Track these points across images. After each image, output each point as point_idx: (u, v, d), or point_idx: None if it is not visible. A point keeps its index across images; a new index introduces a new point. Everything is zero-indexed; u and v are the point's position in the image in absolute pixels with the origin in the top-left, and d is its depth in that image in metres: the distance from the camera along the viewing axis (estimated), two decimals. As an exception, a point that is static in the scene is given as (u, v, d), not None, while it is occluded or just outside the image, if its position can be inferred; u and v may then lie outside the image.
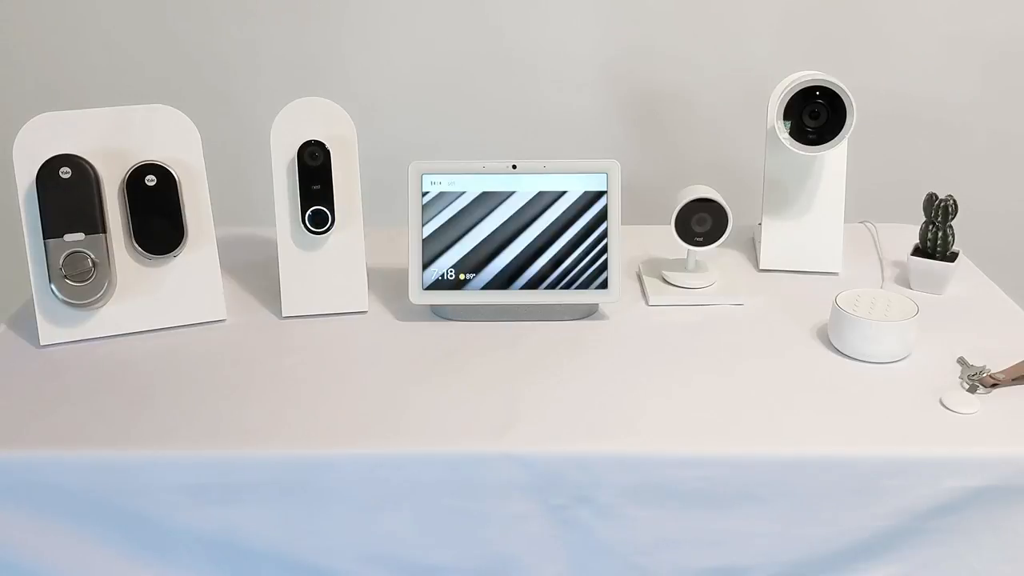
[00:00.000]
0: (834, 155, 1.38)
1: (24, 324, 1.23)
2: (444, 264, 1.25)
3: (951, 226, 1.33)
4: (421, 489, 1.00)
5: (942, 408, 1.06)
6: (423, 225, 1.25)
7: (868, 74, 1.90)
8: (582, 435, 1.02)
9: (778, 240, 1.42)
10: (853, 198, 1.43)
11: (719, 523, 1.01)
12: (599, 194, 1.25)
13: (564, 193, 1.25)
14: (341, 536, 1.02)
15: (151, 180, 1.20)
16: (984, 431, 1.02)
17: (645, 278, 1.37)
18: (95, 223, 1.17)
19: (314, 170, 1.23)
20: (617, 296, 1.26)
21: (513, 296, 1.25)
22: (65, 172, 1.15)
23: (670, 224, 1.30)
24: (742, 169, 1.79)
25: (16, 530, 1.00)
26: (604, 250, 1.25)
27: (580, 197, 1.25)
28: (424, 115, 2.01)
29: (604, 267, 1.25)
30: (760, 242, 1.44)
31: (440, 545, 1.02)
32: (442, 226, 1.25)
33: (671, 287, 1.34)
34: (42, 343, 1.19)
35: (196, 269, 1.25)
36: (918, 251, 1.36)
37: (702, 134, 2.01)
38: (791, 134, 1.32)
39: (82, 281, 1.17)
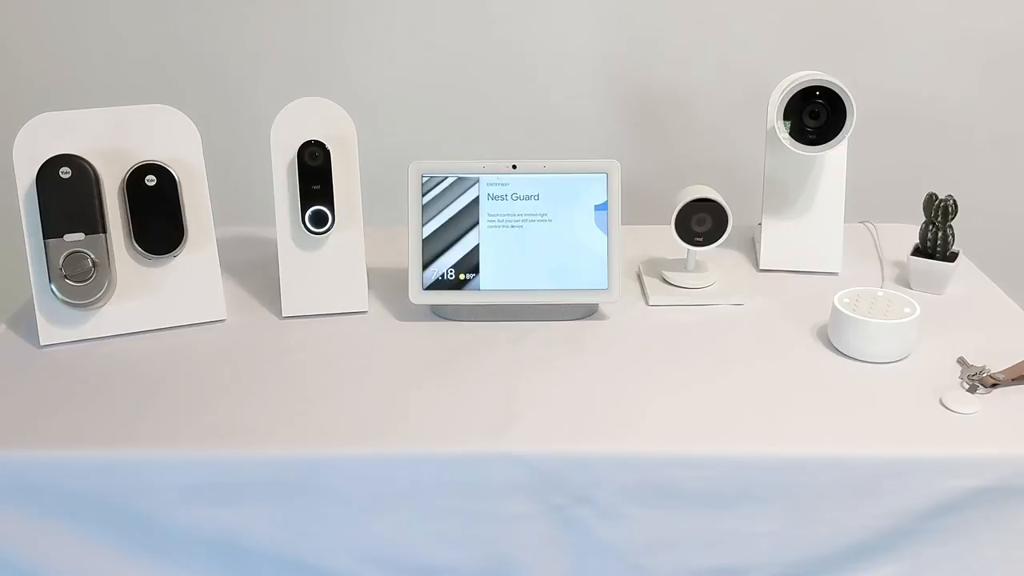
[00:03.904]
0: (834, 155, 1.38)
1: (24, 324, 1.23)
2: (444, 264, 1.25)
3: (951, 226, 1.33)
4: (421, 489, 1.00)
5: (942, 408, 1.06)
6: (423, 225, 1.25)
7: (868, 74, 1.90)
8: (582, 435, 1.02)
9: (778, 240, 1.43)
10: (853, 198, 1.42)
11: (719, 523, 1.01)
12: (599, 194, 1.25)
13: (564, 193, 1.25)
14: (341, 536, 1.02)
15: (151, 180, 1.20)
16: (984, 431, 1.02)
17: (645, 278, 1.37)
18: (95, 223, 1.17)
19: (314, 170, 1.23)
20: (617, 296, 1.26)
21: (513, 296, 1.25)
22: (65, 172, 1.15)
23: (670, 224, 1.30)
24: (742, 169, 1.79)
25: (16, 530, 1.00)
26: (604, 250, 1.25)
27: (580, 197, 1.25)
28: (424, 115, 2.01)
29: (604, 267, 1.25)
30: (760, 242, 1.44)
31: (440, 545, 1.02)
32: (442, 226, 1.25)
33: (671, 287, 1.34)
34: (42, 343, 1.19)
35: (196, 269, 1.25)
36: (918, 251, 1.36)
37: (702, 134, 2.01)
38: (791, 134, 1.32)
39: (82, 281, 1.17)
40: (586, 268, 1.25)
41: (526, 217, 1.25)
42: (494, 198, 1.25)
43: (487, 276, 1.25)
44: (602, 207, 1.25)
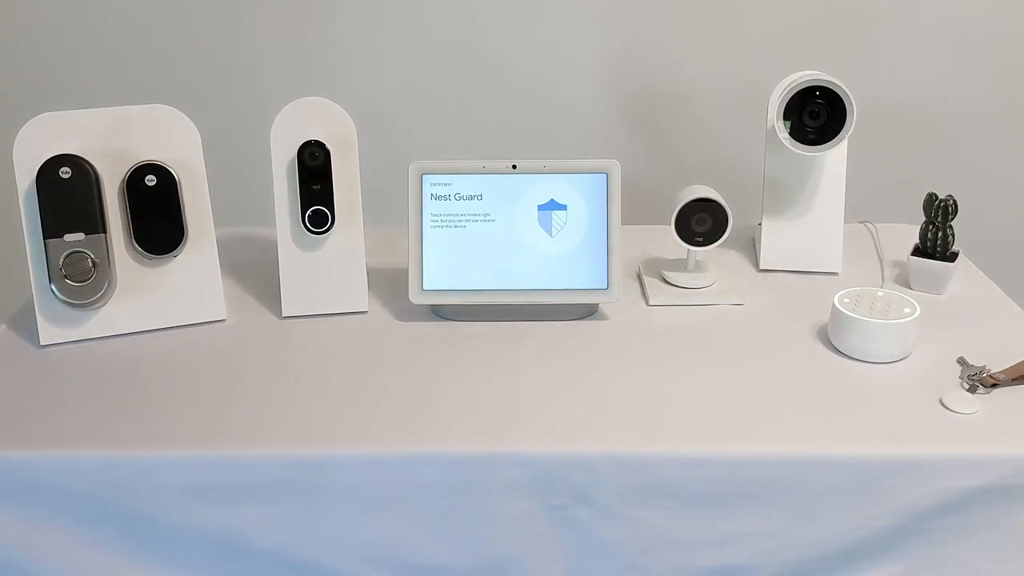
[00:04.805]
0: (834, 155, 1.38)
1: (24, 324, 1.23)
2: (444, 264, 1.25)
3: (951, 226, 1.33)
4: (421, 489, 1.00)
5: (942, 408, 1.06)
6: (423, 225, 1.25)
7: (868, 74, 1.90)
8: (582, 435, 1.02)
9: (778, 240, 1.42)
10: (853, 198, 1.42)
11: (719, 523, 1.01)
12: (599, 194, 1.25)
13: (564, 193, 1.25)
14: (341, 536, 1.02)
15: (151, 180, 1.20)
16: (984, 431, 1.02)
17: (645, 278, 1.37)
18: (95, 223, 1.17)
19: (314, 170, 1.23)
20: (617, 296, 1.26)
21: (513, 296, 1.25)
22: (65, 172, 1.15)
23: (670, 224, 1.30)
24: (742, 169, 1.79)
25: (16, 530, 1.00)
26: (604, 250, 1.25)
27: (580, 197, 1.25)
28: (424, 115, 2.01)
29: (604, 267, 1.25)
30: (760, 242, 1.44)
31: (440, 545, 1.02)
32: (442, 226, 1.25)
33: (671, 287, 1.34)
34: (42, 343, 1.19)
35: (196, 269, 1.25)
36: (918, 251, 1.36)
37: (702, 134, 2.01)
38: (791, 134, 1.32)
39: (82, 281, 1.17)
40: (586, 268, 1.25)
41: (526, 217, 1.25)
42: (494, 198, 1.25)
43: (487, 276, 1.25)
44: (602, 207, 1.24)
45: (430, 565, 1.03)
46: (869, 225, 1.56)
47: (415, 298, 1.25)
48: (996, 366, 1.12)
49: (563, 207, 1.25)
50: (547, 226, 1.25)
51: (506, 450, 1.00)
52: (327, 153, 1.23)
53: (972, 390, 1.09)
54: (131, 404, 1.07)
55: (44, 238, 1.15)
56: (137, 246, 1.21)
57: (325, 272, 1.27)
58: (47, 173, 1.15)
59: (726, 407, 1.06)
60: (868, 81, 1.74)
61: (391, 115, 1.98)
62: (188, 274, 1.24)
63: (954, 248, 1.35)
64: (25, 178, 1.16)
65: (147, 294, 1.23)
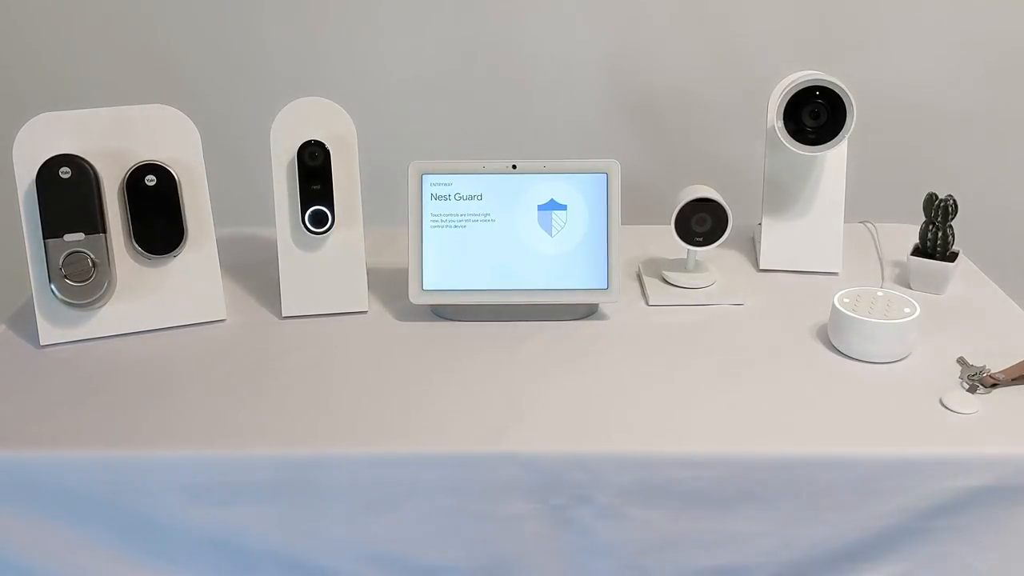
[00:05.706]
0: (834, 155, 1.38)
1: (24, 324, 1.23)
2: (444, 264, 1.25)
3: (951, 226, 1.33)
4: (421, 489, 1.00)
5: (942, 408, 1.06)
6: (423, 225, 1.25)
7: (868, 74, 1.90)
8: (582, 435, 1.02)
9: (778, 240, 1.43)
10: (853, 198, 1.42)
11: (719, 523, 1.01)
12: (599, 194, 1.25)
13: (564, 193, 1.25)
14: (341, 536, 1.02)
15: (151, 180, 1.20)
16: (984, 431, 1.02)
17: (645, 278, 1.37)
18: (95, 223, 1.17)
19: (314, 170, 1.23)
20: (617, 296, 1.26)
21: (513, 296, 1.25)
22: (65, 172, 1.15)
23: (670, 224, 1.30)
24: (742, 169, 1.79)
25: (16, 530, 1.00)
26: (604, 250, 1.25)
27: (580, 197, 1.25)
28: (424, 115, 2.01)
29: (604, 267, 1.25)
30: (760, 242, 1.44)
31: (440, 545, 1.02)
32: (442, 226, 1.25)
33: (671, 287, 1.34)
34: (42, 343, 1.19)
35: (196, 269, 1.25)
36: (918, 251, 1.36)
37: (702, 134, 2.01)
38: (791, 134, 1.32)
39: (82, 281, 1.17)
40: (586, 268, 1.25)
41: (526, 217, 1.25)
42: (494, 198, 1.25)
43: (487, 276, 1.25)
44: (602, 207, 1.25)
45: (430, 565, 1.03)
46: (869, 225, 1.56)
47: (415, 298, 1.25)
48: (996, 366, 1.12)
49: (563, 207, 1.25)
50: (547, 226, 1.25)
51: (506, 450, 1.00)
52: (327, 153, 1.23)
53: (972, 390, 1.09)
54: (131, 404, 1.07)
55: (44, 238, 1.15)
56: (137, 246, 1.21)
57: (325, 272, 1.27)
58: (47, 173, 1.15)
59: (726, 407, 1.06)
60: (868, 81, 1.74)
61: (391, 115, 1.98)
62: (188, 274, 1.24)
63: (954, 248, 1.35)
64: (25, 178, 1.16)
65: (147, 294, 1.23)
